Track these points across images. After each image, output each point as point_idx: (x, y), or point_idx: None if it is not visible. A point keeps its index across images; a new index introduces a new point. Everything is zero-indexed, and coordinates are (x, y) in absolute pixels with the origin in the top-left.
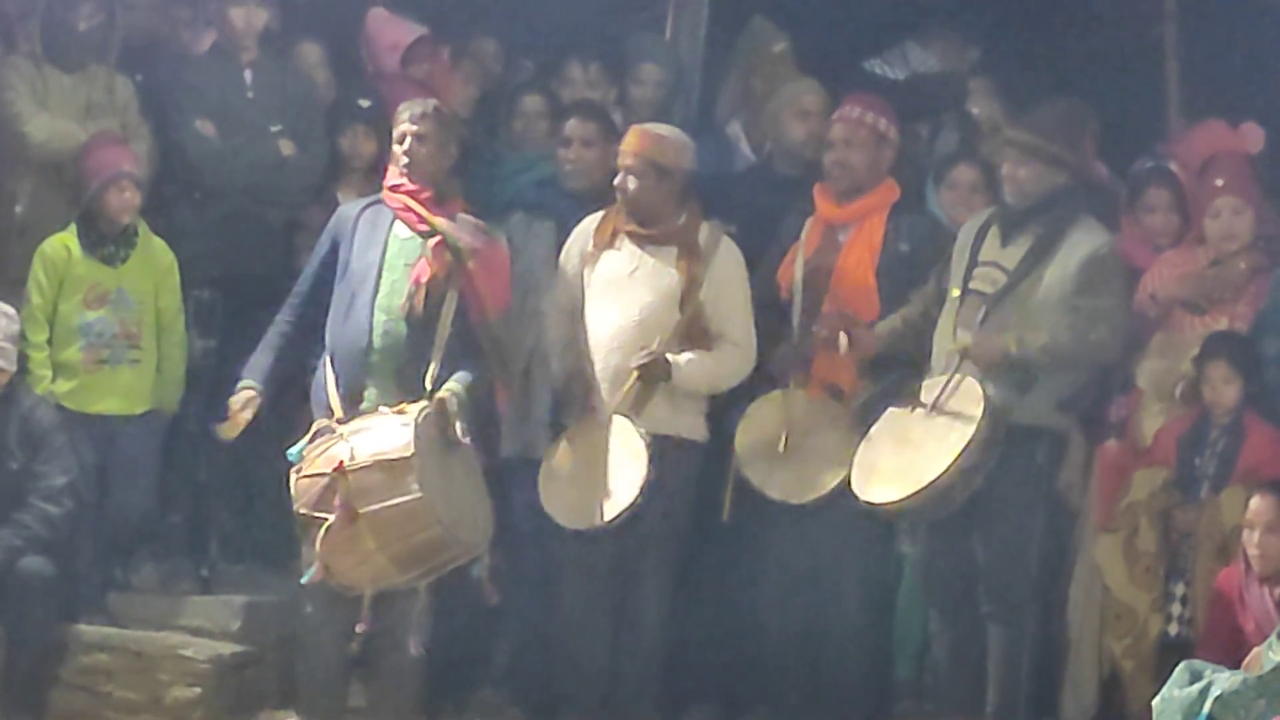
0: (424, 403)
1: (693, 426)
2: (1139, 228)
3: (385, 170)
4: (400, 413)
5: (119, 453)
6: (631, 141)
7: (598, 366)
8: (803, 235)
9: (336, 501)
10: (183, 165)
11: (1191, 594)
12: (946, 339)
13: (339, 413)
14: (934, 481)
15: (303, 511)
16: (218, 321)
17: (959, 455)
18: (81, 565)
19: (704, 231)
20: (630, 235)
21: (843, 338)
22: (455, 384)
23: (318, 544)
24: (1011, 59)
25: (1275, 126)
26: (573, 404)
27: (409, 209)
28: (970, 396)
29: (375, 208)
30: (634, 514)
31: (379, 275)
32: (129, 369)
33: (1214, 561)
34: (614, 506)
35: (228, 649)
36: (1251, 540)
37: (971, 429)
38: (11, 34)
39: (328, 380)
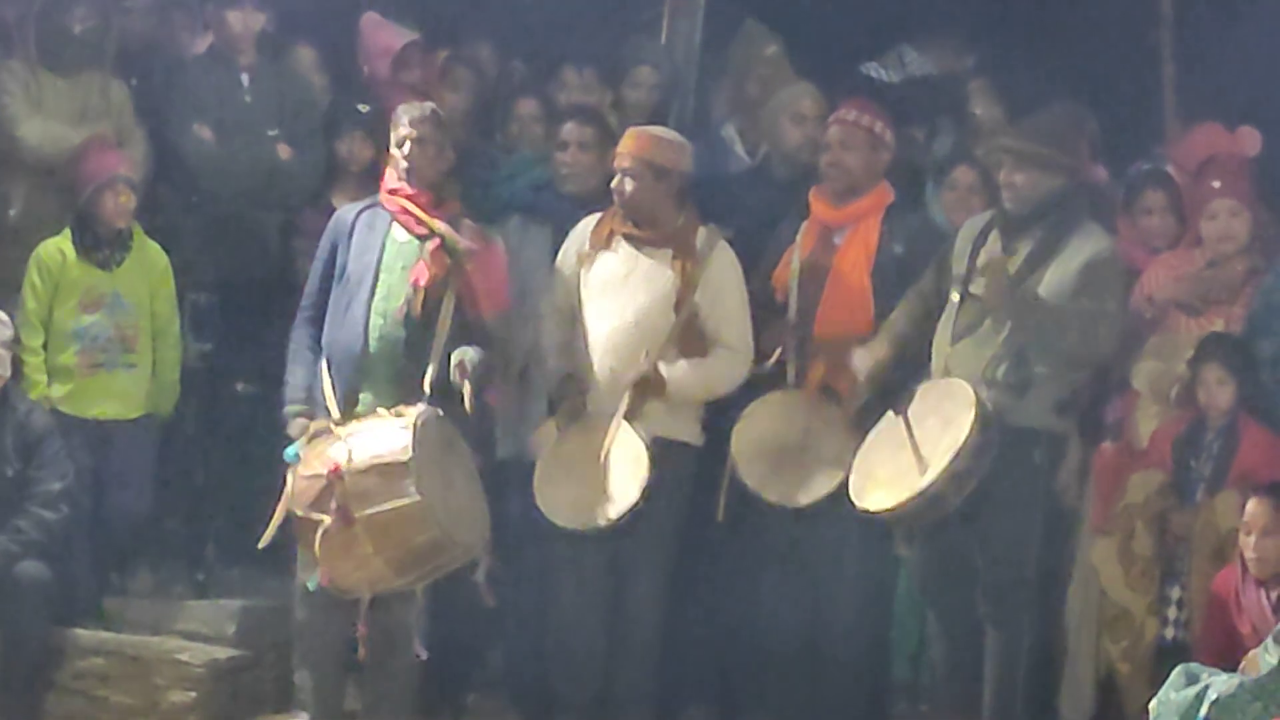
0: (422, 405)
1: (689, 429)
2: (1135, 230)
3: (383, 174)
4: (399, 415)
5: (114, 457)
6: (629, 143)
7: (594, 368)
8: (798, 238)
9: (333, 505)
10: (179, 169)
11: (1187, 597)
12: (945, 344)
13: (335, 415)
14: (926, 489)
15: (299, 513)
16: (214, 325)
17: (950, 461)
18: (77, 570)
19: (700, 234)
20: (626, 237)
21: (855, 354)
22: (470, 351)
23: (316, 547)
24: (1007, 63)
25: (1271, 129)
26: (568, 407)
27: (407, 212)
28: (962, 401)
29: (372, 210)
30: (634, 515)
31: (375, 278)
32: (124, 373)
33: (1209, 565)
34: (615, 507)
35: (223, 653)
36: (1248, 543)
37: (964, 434)
38: (7, 37)
39: (324, 383)
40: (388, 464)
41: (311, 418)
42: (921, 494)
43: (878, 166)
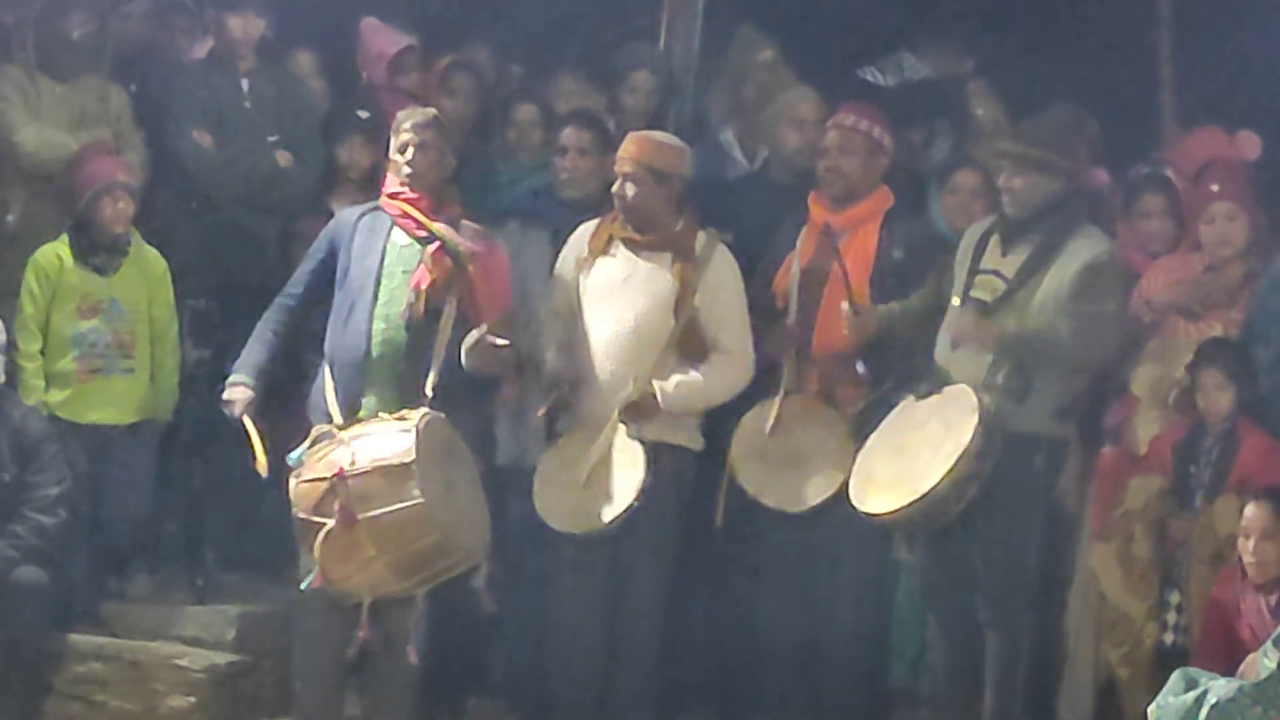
0: (424, 409)
1: (688, 434)
2: (1134, 234)
3: (383, 179)
4: (401, 419)
5: (113, 462)
6: (630, 148)
7: (593, 373)
8: (797, 243)
9: (336, 506)
10: (179, 175)
11: (1186, 602)
12: (946, 348)
13: (338, 420)
14: (928, 492)
15: (301, 516)
16: (213, 331)
17: (953, 465)
18: (76, 575)
19: (700, 238)
20: (625, 242)
21: (845, 305)
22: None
23: (316, 549)
24: (1006, 66)
25: (1269, 132)
26: (568, 412)
27: (407, 215)
28: (965, 405)
29: (373, 214)
30: (630, 518)
31: (377, 283)
32: (122, 379)
33: (1207, 570)
34: (611, 510)
35: (223, 658)
36: (1247, 548)
37: (966, 438)
38: (5, 43)
39: (326, 388)
40: (391, 466)
41: (253, 390)
42: (923, 498)
43: (876, 171)
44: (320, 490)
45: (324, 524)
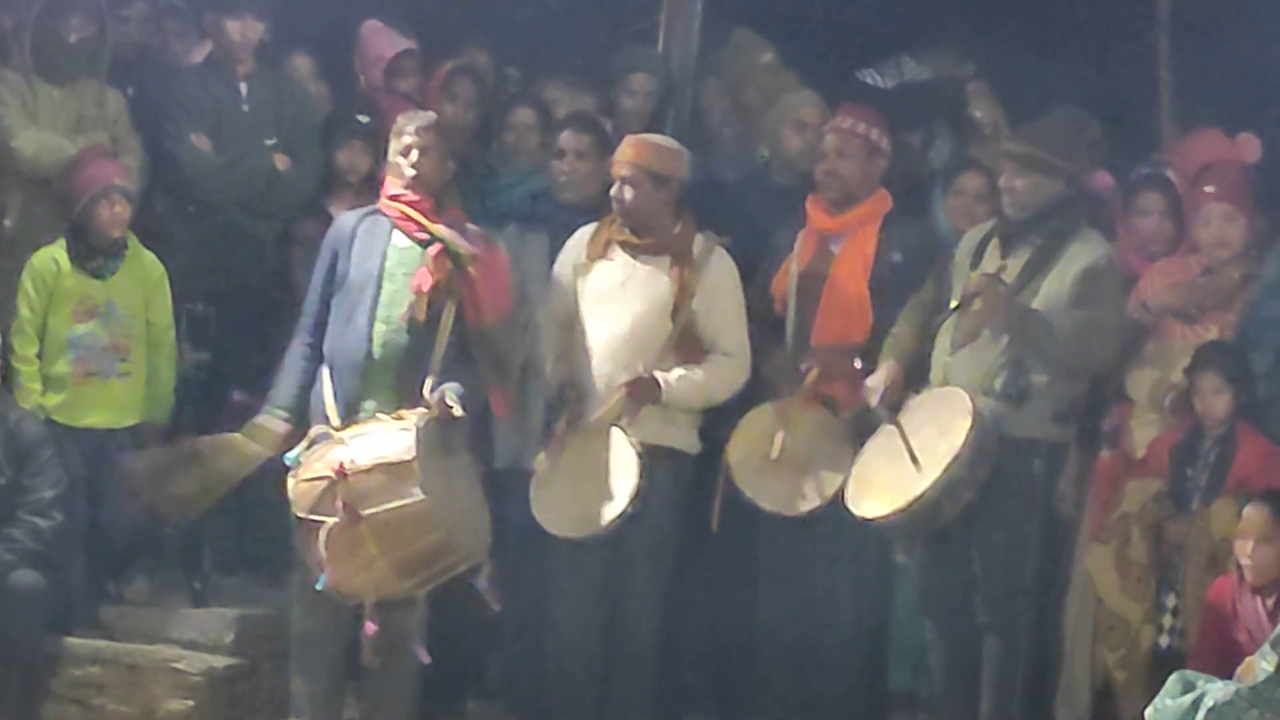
0: (424, 409)
1: (684, 438)
2: (1133, 234)
3: (383, 182)
4: (399, 419)
5: (109, 466)
6: (627, 151)
7: (591, 376)
8: (795, 246)
9: (337, 504)
10: (177, 178)
11: (1183, 605)
12: (943, 353)
13: (336, 422)
14: (921, 496)
15: (301, 515)
16: (210, 334)
17: (945, 469)
18: (73, 578)
19: (697, 241)
20: (623, 245)
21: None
22: (451, 387)
23: (321, 547)
24: (1006, 69)
25: (1268, 134)
26: (566, 414)
27: (407, 218)
28: (960, 409)
29: (373, 218)
30: (626, 522)
31: (378, 285)
32: (119, 382)
33: (1204, 574)
34: (607, 514)
35: (220, 662)
36: (1244, 550)
37: (960, 442)
38: (2, 47)
39: (325, 390)
40: (392, 463)
41: (290, 423)
42: (917, 501)
43: (875, 174)
44: (320, 489)
45: (324, 522)
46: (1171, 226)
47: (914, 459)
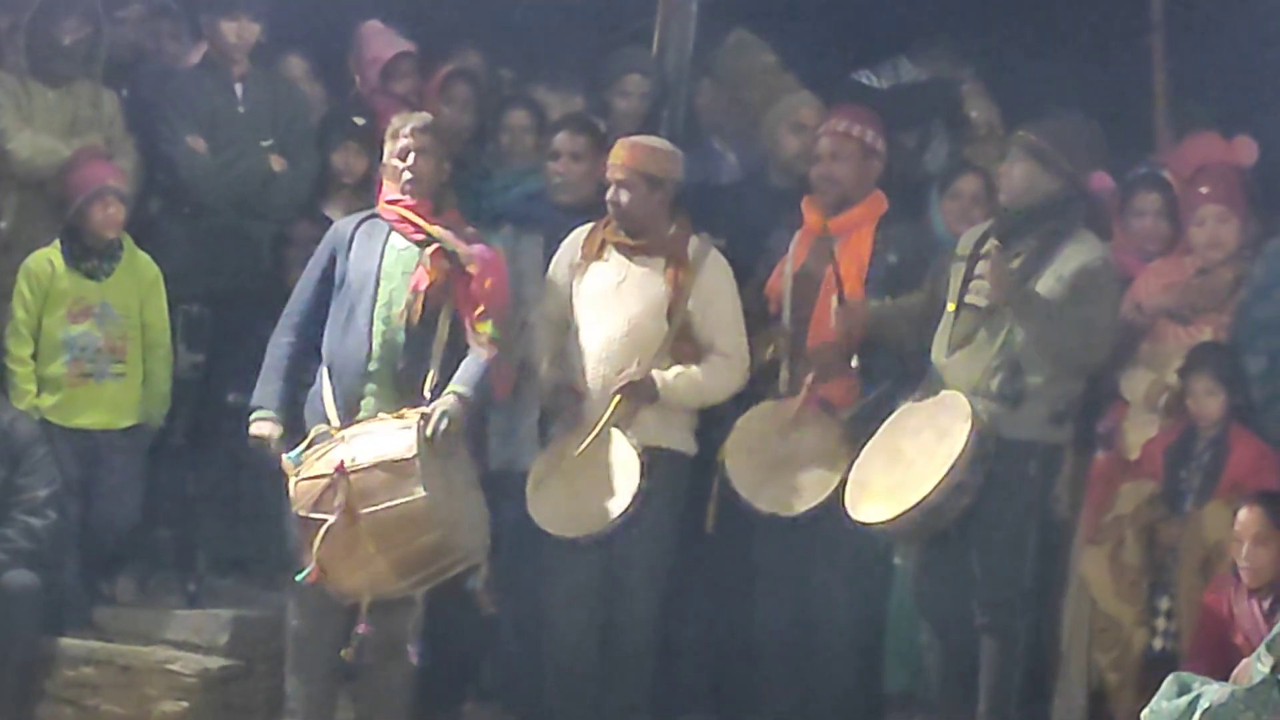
0: (424, 408)
1: (681, 438)
2: (1129, 235)
3: (380, 185)
4: (400, 418)
5: (104, 467)
6: (621, 154)
7: (586, 378)
8: (791, 247)
9: (337, 502)
10: (172, 180)
11: (1176, 608)
12: (940, 355)
13: (336, 423)
14: (921, 501)
15: (302, 514)
16: (206, 336)
17: (946, 473)
18: (68, 579)
19: (692, 243)
20: (618, 247)
21: (833, 299)
22: (458, 388)
23: (316, 545)
24: (1002, 71)
25: (1263, 136)
26: (562, 416)
27: (405, 220)
28: (958, 413)
29: (371, 221)
30: (625, 523)
31: (377, 285)
32: (113, 383)
33: (1196, 577)
34: (606, 515)
35: (215, 663)
36: (1240, 552)
37: (959, 446)
38: None
39: (324, 392)
40: (393, 461)
41: (275, 422)
42: (918, 506)
43: (870, 176)
44: (320, 487)
45: (325, 519)
46: (1167, 227)
47: (913, 464)
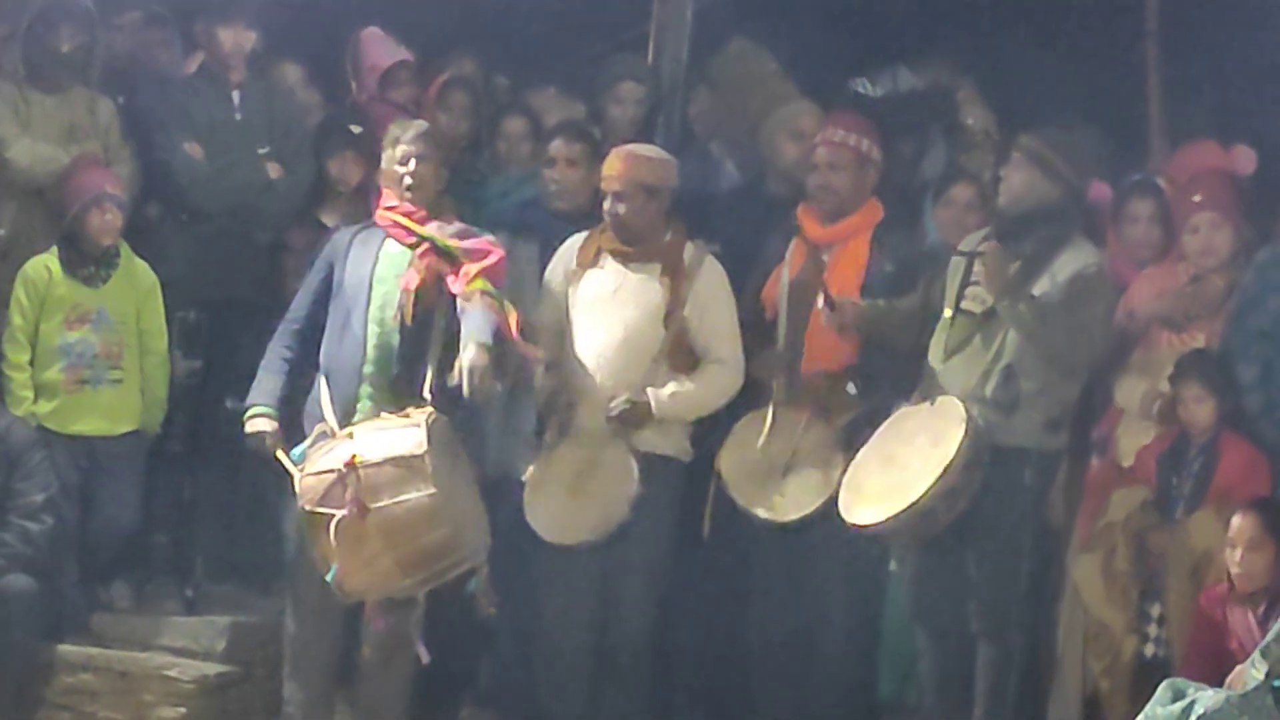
0: (429, 409)
1: (678, 445)
2: (1123, 241)
3: (379, 193)
4: (405, 416)
5: (101, 473)
6: (616, 165)
7: (583, 385)
8: (787, 255)
9: (348, 496)
10: (169, 187)
11: (1168, 615)
12: (936, 361)
13: (333, 427)
14: (914, 504)
15: (309, 509)
16: (202, 342)
17: (939, 478)
18: (65, 585)
19: (688, 249)
20: (614, 254)
21: (820, 302)
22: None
23: (330, 538)
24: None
25: (1257, 143)
26: (558, 422)
27: (398, 225)
28: (953, 417)
29: (368, 229)
30: (621, 530)
31: (370, 289)
32: (110, 389)
33: (1185, 584)
34: (603, 521)
35: (212, 669)
36: (1233, 558)
37: (953, 450)
38: None
39: (322, 397)
40: (403, 457)
41: (276, 420)
42: (910, 509)
43: (866, 185)
44: (329, 481)
45: (333, 515)
46: (1160, 233)
47: (907, 467)
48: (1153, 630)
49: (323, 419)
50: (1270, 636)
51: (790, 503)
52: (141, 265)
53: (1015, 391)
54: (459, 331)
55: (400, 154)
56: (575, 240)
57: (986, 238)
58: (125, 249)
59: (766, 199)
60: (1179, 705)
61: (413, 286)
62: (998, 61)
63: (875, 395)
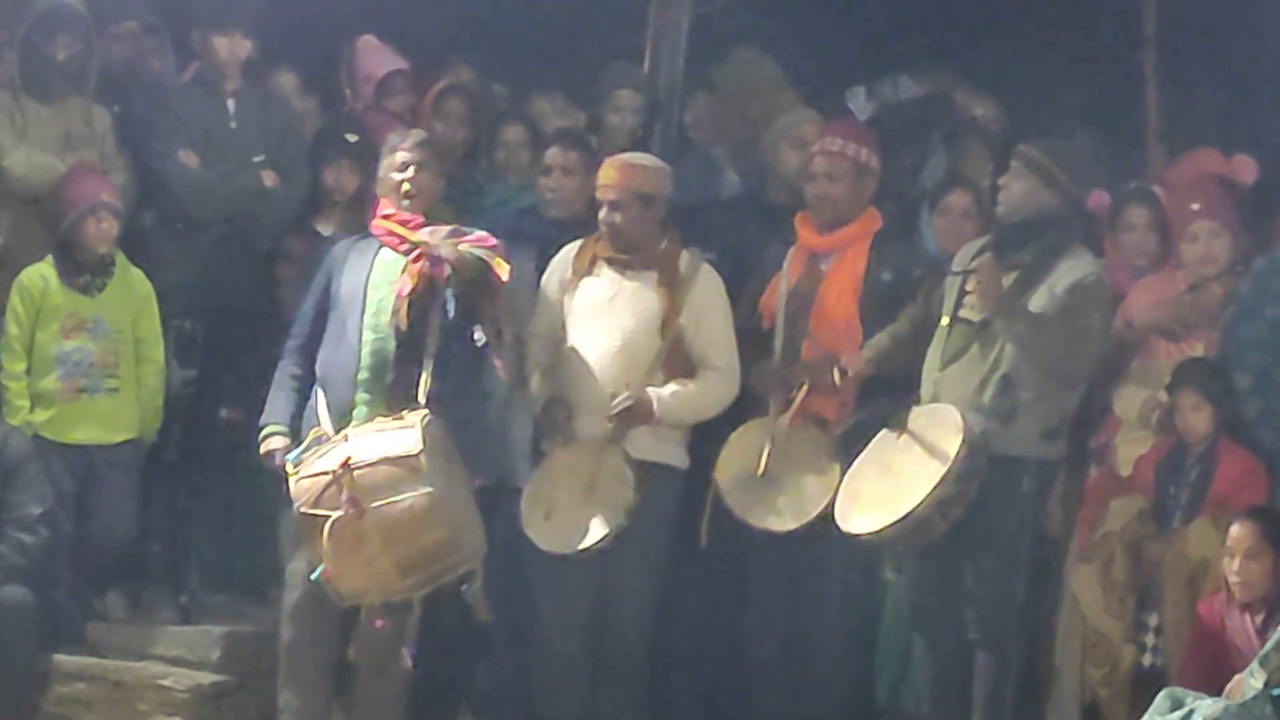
0: (424, 411)
1: (674, 453)
2: (1121, 249)
3: (376, 202)
4: (399, 419)
5: (97, 482)
6: (611, 174)
7: (580, 393)
8: (785, 264)
9: (343, 497)
10: (165, 195)
11: (1164, 625)
12: (933, 369)
13: (329, 431)
14: (911, 512)
15: (304, 511)
16: (198, 351)
17: (936, 486)
18: (60, 595)
19: (684, 257)
20: (610, 262)
21: (835, 373)
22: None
23: (324, 540)
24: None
25: (1254, 151)
26: (554, 430)
27: (392, 233)
28: (950, 426)
29: (365, 240)
30: (617, 538)
31: (365, 296)
32: (107, 398)
33: (1183, 593)
34: (598, 530)
35: (207, 679)
36: (1232, 567)
37: (950, 459)
38: None
39: (319, 406)
40: (398, 457)
41: (287, 438)
42: (906, 518)
43: (864, 194)
44: (323, 483)
45: (329, 517)
46: (1157, 241)
47: (903, 476)
48: (1150, 639)
49: (319, 424)
50: (1269, 645)
51: (787, 512)
52: (137, 274)
53: (1013, 400)
54: (453, 336)
55: (398, 162)
56: (571, 248)
57: (984, 247)
58: (121, 258)
59: (766, 207)
60: (1178, 714)
61: (407, 292)
62: (997, 69)
63: (872, 403)
